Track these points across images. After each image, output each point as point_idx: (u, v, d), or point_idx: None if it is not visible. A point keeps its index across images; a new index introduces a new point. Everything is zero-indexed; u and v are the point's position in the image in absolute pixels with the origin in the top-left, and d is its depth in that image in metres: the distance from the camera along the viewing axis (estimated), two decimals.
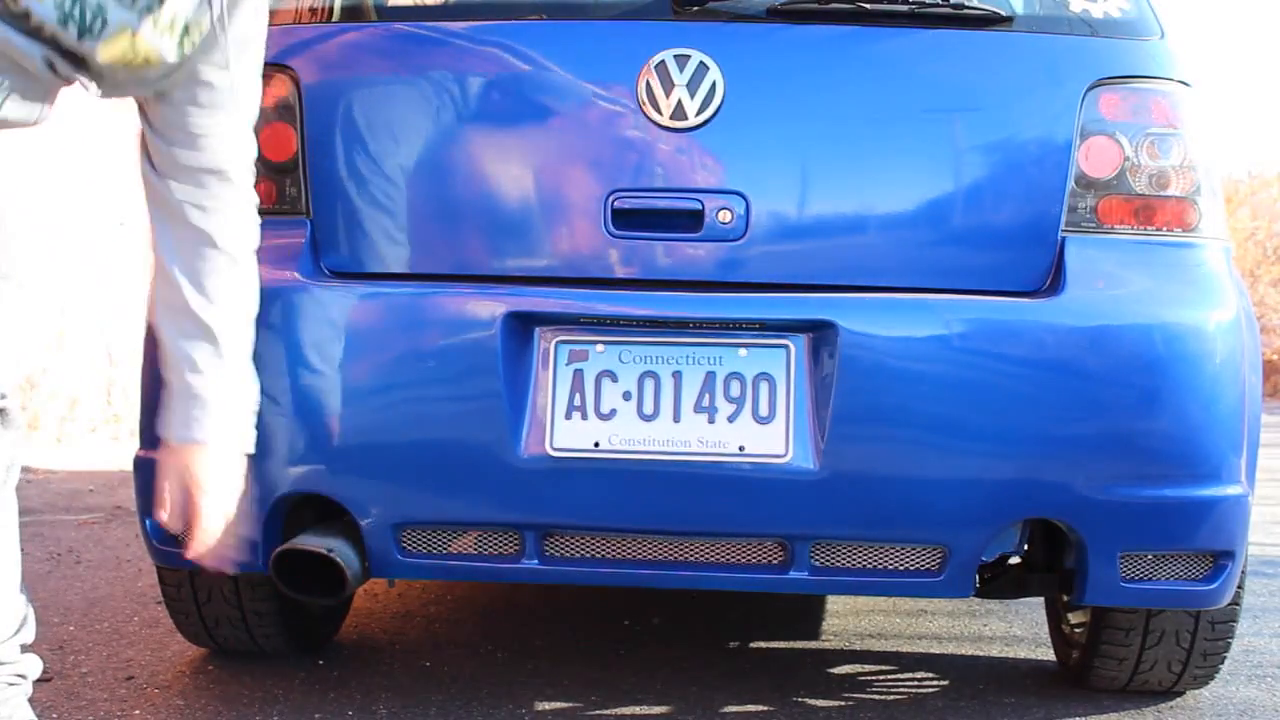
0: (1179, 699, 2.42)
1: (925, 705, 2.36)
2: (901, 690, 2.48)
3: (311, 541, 2.03)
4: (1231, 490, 2.02)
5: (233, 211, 1.78)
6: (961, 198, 2.04)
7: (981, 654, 2.79)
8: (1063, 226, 2.03)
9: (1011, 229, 2.04)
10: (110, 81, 1.66)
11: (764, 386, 1.97)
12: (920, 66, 2.08)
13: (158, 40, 1.62)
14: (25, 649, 1.78)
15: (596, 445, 1.97)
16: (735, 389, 1.98)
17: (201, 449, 1.77)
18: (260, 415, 2.01)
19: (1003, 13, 2.10)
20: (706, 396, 1.97)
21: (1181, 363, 1.97)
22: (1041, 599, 2.92)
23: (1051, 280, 2.02)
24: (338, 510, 2.10)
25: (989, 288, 2.02)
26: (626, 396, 1.98)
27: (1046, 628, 2.75)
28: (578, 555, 2.08)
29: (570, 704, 2.31)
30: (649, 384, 1.98)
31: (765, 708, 2.32)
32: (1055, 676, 2.57)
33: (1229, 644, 2.30)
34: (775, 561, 2.05)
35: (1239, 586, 2.21)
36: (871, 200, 2.04)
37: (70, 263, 7.20)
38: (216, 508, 1.78)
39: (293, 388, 2.01)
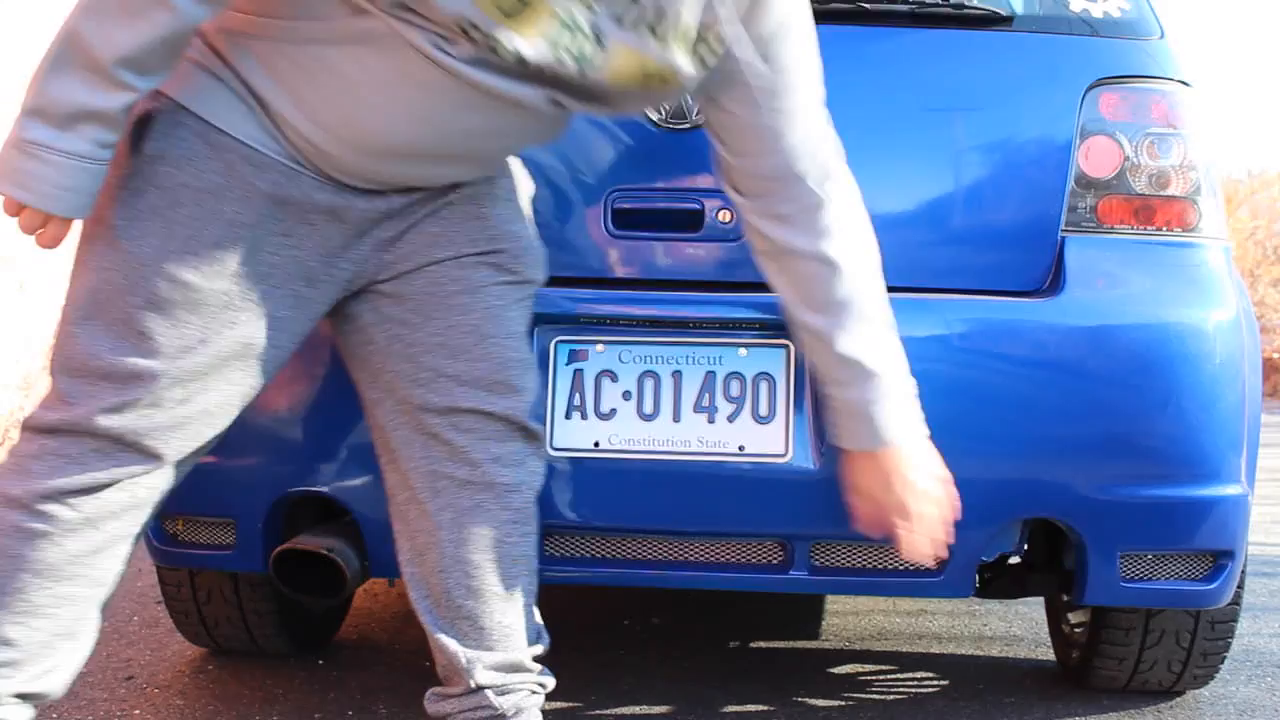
0: (1179, 699, 2.42)
1: (925, 705, 2.37)
2: (901, 690, 2.48)
3: (311, 541, 2.03)
4: (1231, 490, 2.02)
5: (822, 213, 1.75)
6: (961, 197, 2.04)
7: (981, 654, 2.79)
8: (1063, 226, 2.03)
9: (1011, 229, 2.04)
10: (627, 103, 1.62)
11: (764, 386, 1.98)
12: (920, 66, 2.08)
13: (669, 57, 1.56)
14: (540, 660, 1.86)
15: (596, 445, 1.97)
16: (735, 389, 1.98)
17: (896, 450, 1.80)
18: (260, 415, 2.02)
19: (1003, 13, 2.10)
20: (706, 396, 1.98)
21: (1181, 363, 1.97)
22: (1041, 599, 2.92)
23: (1051, 280, 2.02)
24: (338, 510, 2.10)
25: (988, 287, 2.02)
26: (626, 396, 1.98)
27: (1046, 628, 2.75)
28: (578, 555, 2.08)
29: (570, 704, 2.31)
30: (649, 384, 1.98)
31: (765, 708, 2.32)
32: (1055, 676, 2.58)
33: (1229, 644, 2.30)
34: (775, 561, 2.05)
35: (1239, 586, 2.21)
36: (871, 200, 2.03)
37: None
38: (931, 502, 1.81)
39: (292, 388, 2.01)
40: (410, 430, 1.77)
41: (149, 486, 1.61)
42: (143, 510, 1.62)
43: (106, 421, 1.55)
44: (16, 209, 1.51)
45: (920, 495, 1.80)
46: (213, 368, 1.60)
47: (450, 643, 1.79)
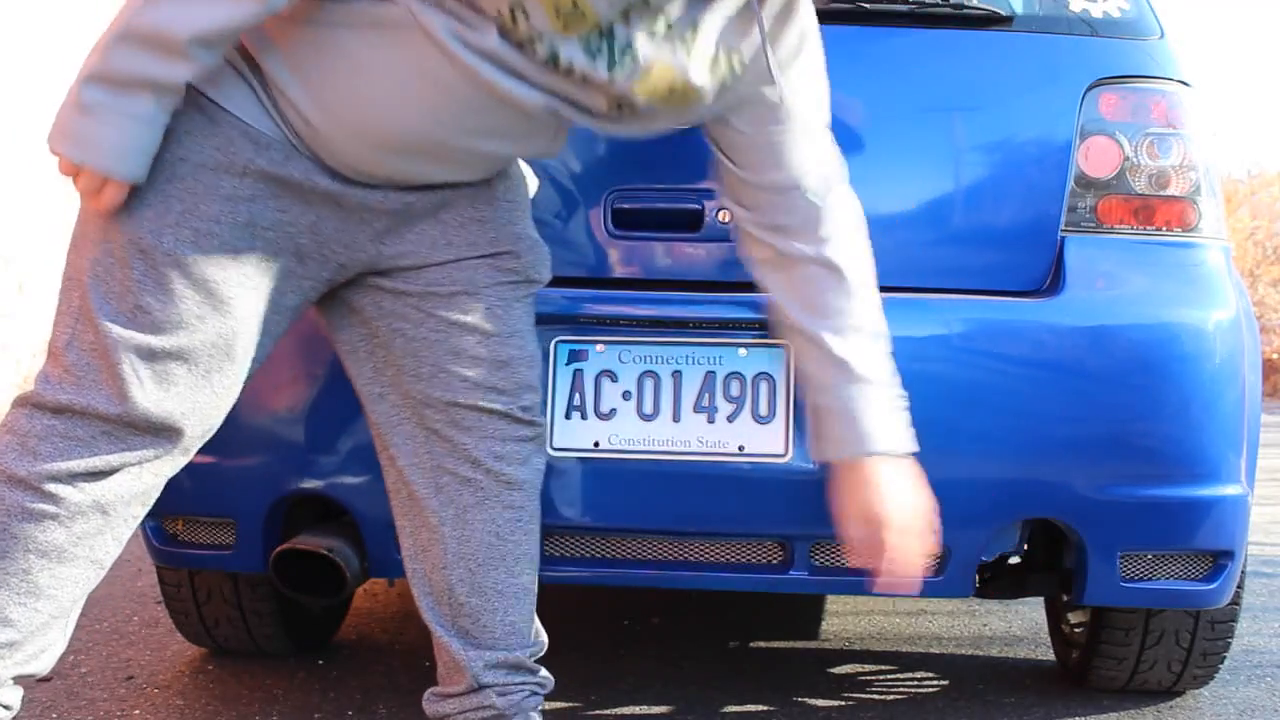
0: (1179, 699, 2.42)
1: (925, 705, 2.37)
2: (901, 690, 2.48)
3: (311, 541, 2.03)
4: (1231, 490, 2.02)
5: (822, 224, 1.77)
6: (961, 197, 2.04)
7: (981, 654, 2.79)
8: (1062, 226, 2.03)
9: (1011, 229, 2.04)
10: (636, 120, 1.63)
11: (764, 386, 1.98)
12: (920, 66, 2.08)
13: (696, 74, 1.58)
14: (540, 661, 1.88)
15: (596, 445, 1.97)
16: (735, 389, 1.98)
17: (879, 460, 1.77)
18: (259, 416, 2.02)
19: (1003, 13, 2.10)
20: (706, 396, 1.98)
21: (1181, 362, 1.97)
22: (1041, 599, 2.92)
23: (1051, 280, 2.02)
24: (338, 510, 2.10)
25: (988, 287, 2.02)
26: (626, 396, 1.98)
27: (1046, 628, 2.75)
28: (578, 555, 2.08)
29: (570, 704, 2.31)
30: (649, 384, 1.98)
31: (765, 708, 2.32)
32: (1055, 676, 2.58)
33: (1229, 644, 2.30)
34: (775, 561, 2.05)
35: (1239, 586, 2.21)
36: (871, 200, 2.03)
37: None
38: (910, 522, 1.78)
39: (292, 388, 2.01)
40: (412, 426, 1.77)
41: (155, 471, 1.61)
42: (149, 495, 1.63)
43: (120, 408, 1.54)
44: (73, 170, 1.50)
45: (907, 509, 1.78)
46: (215, 346, 1.59)
47: (452, 640, 1.80)
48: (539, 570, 1.88)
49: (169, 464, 1.63)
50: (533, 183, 1.89)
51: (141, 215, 1.54)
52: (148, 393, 1.55)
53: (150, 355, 1.55)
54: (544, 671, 1.86)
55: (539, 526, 1.84)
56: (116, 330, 1.54)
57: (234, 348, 1.62)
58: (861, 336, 1.79)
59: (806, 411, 1.87)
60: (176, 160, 1.55)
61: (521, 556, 1.81)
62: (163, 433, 1.58)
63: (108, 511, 1.58)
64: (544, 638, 1.88)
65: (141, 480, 1.60)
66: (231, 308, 1.59)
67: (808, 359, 1.82)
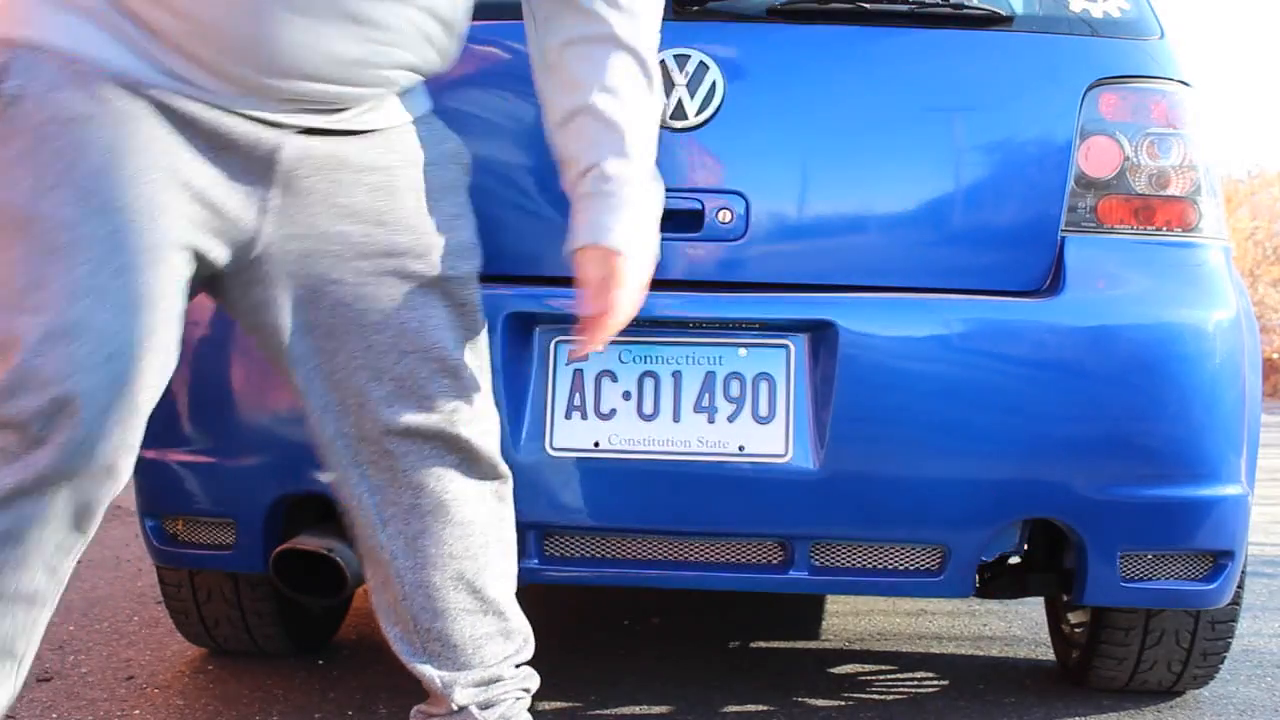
0: (1179, 699, 2.42)
1: (925, 705, 2.37)
2: (901, 690, 2.48)
3: (311, 541, 2.03)
4: (1231, 490, 2.02)
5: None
6: (961, 197, 2.04)
7: (981, 654, 2.79)
8: (1062, 226, 2.03)
9: (1011, 229, 2.04)
10: None
11: (764, 386, 1.98)
12: (920, 66, 2.08)
13: None
14: (528, 663, 1.81)
15: (596, 445, 1.97)
16: (735, 389, 1.98)
17: (619, 255, 1.61)
18: (259, 415, 2.02)
19: (1003, 13, 2.10)
20: (706, 396, 1.98)
21: (1181, 363, 1.97)
22: (1041, 599, 2.92)
23: (1051, 280, 2.02)
24: (338, 510, 2.10)
25: (989, 287, 2.02)
26: (626, 396, 1.98)
27: (1046, 628, 2.75)
28: (578, 555, 2.08)
29: (570, 704, 2.31)
30: (649, 384, 1.98)
31: (765, 708, 2.32)
32: (1055, 676, 2.58)
33: (1229, 644, 2.30)
34: (775, 561, 2.05)
35: (1239, 586, 2.21)
36: (871, 200, 2.04)
37: None
38: (625, 308, 1.63)
39: (292, 388, 2.01)
40: (349, 462, 1.67)
41: (77, 493, 1.42)
42: (81, 526, 1.45)
43: (12, 408, 1.38)
44: None
45: (629, 302, 1.63)
46: (120, 324, 1.41)
47: (425, 668, 1.74)
48: (538, 569, 1.87)
49: (94, 485, 1.44)
50: (454, 175, 1.71)
51: (18, 188, 1.41)
52: (56, 389, 1.38)
53: (47, 337, 1.38)
54: (527, 672, 1.80)
55: (507, 527, 1.75)
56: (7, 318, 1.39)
57: (142, 326, 1.44)
58: (633, 109, 1.64)
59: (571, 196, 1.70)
60: (45, 122, 1.42)
61: (483, 570, 1.72)
62: (73, 444, 1.40)
63: (21, 541, 1.41)
64: (528, 641, 1.80)
65: (58, 504, 1.42)
66: (134, 275, 1.43)
67: (566, 114, 1.67)
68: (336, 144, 1.57)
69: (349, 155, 1.58)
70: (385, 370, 1.62)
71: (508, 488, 1.75)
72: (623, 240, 1.61)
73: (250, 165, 1.51)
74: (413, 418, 1.64)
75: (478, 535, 1.71)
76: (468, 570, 1.71)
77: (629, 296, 1.63)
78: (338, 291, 1.60)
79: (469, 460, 1.69)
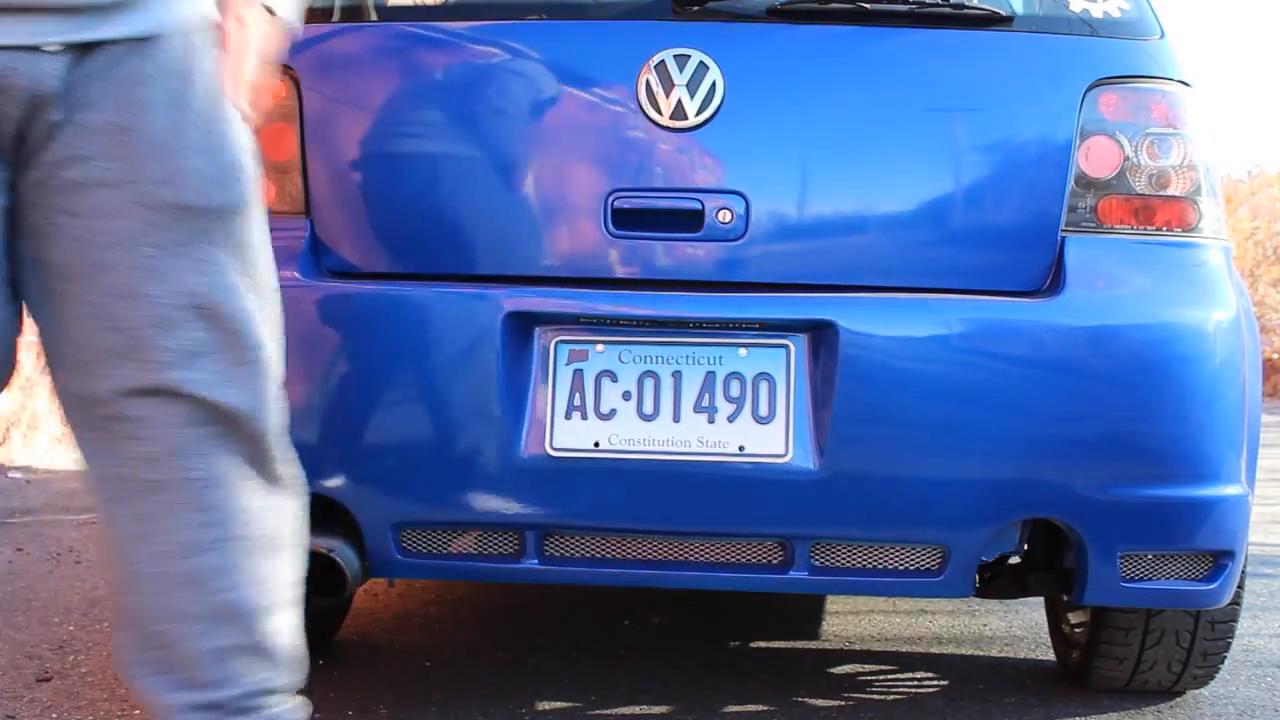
0: (1179, 699, 2.42)
1: (925, 705, 2.37)
2: (901, 690, 2.48)
3: (311, 541, 2.02)
4: (1231, 490, 2.02)
5: None
6: (961, 197, 2.04)
7: (981, 654, 2.79)
8: (1063, 226, 2.03)
9: (1011, 229, 2.04)
10: None
11: (764, 386, 1.97)
12: (920, 66, 2.08)
13: None
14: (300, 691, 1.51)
15: (596, 445, 1.97)
16: (735, 389, 1.98)
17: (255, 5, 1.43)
18: None
19: (1003, 13, 2.10)
20: (706, 396, 1.97)
21: (1181, 363, 1.97)
22: (1041, 599, 2.92)
23: (1051, 280, 2.02)
24: (338, 510, 2.10)
25: (989, 287, 2.02)
26: (626, 396, 1.98)
27: (1046, 628, 2.75)
28: (578, 555, 2.08)
29: (570, 704, 2.31)
30: (649, 384, 1.98)
31: (765, 708, 2.32)
32: (1055, 676, 2.58)
33: (1229, 644, 2.30)
34: (775, 561, 2.05)
35: (1239, 586, 2.21)
36: (871, 200, 2.04)
37: None
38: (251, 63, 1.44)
39: (292, 388, 2.01)
40: (85, 428, 1.42)
41: None
42: None
43: None
44: None
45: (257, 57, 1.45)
46: None
47: (148, 682, 1.43)
48: (537, 569, 1.86)
49: None
50: (226, 101, 1.43)
51: None
52: None
53: None
54: (293, 704, 1.48)
55: (279, 522, 1.46)
56: None
57: None
58: None
59: None
60: None
61: (232, 569, 1.41)
62: None
63: None
64: (297, 665, 1.49)
65: None
66: None
67: None
68: (80, 54, 1.34)
69: (96, 68, 1.35)
70: (123, 319, 1.36)
71: (287, 472, 1.48)
72: None
73: None
74: (153, 376, 1.37)
75: (230, 526, 1.41)
76: (210, 568, 1.41)
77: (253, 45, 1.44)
78: (71, 225, 1.36)
79: (229, 433, 1.41)
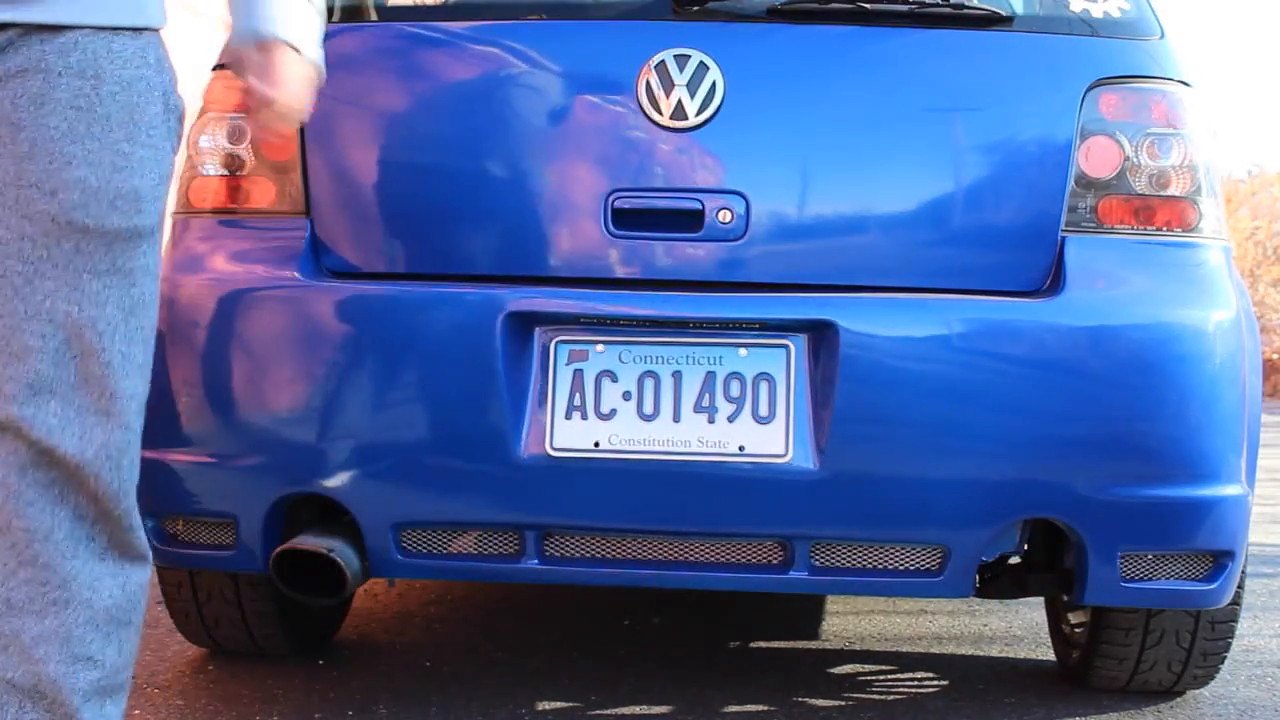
0: (1179, 699, 2.42)
1: (925, 705, 2.37)
2: (901, 690, 2.48)
3: (311, 541, 2.03)
4: (1231, 490, 2.02)
5: None
6: (961, 197, 2.04)
7: (981, 654, 2.79)
8: (1063, 226, 2.03)
9: (1011, 229, 2.04)
10: None
11: (764, 386, 1.97)
12: (920, 66, 2.08)
13: None
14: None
15: (596, 445, 1.97)
16: (735, 389, 1.98)
17: (280, 46, 1.38)
18: (259, 415, 2.02)
19: (1003, 13, 2.10)
20: (706, 396, 1.98)
21: (1181, 363, 1.97)
22: (1041, 599, 2.92)
23: (1051, 280, 2.02)
24: (338, 510, 2.10)
25: (989, 287, 2.02)
26: (626, 396, 1.98)
27: (1046, 628, 2.75)
28: (578, 555, 2.08)
29: (570, 704, 2.31)
30: (649, 384, 1.98)
31: (765, 708, 2.32)
32: (1055, 676, 2.57)
33: (1229, 644, 2.30)
34: (775, 561, 2.05)
35: (1239, 586, 2.21)
36: (871, 200, 2.04)
37: None
38: (289, 105, 1.41)
39: (292, 388, 2.01)
40: None
41: None
42: None
43: None
44: None
45: (292, 98, 1.41)
46: None
47: None
48: (538, 569, 1.86)
49: None
50: (150, 106, 1.29)
51: None
52: None
53: None
54: None
55: (111, 597, 1.28)
56: None
57: None
58: None
59: None
60: None
61: (50, 637, 1.25)
62: None
63: None
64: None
65: None
66: None
67: None
68: None
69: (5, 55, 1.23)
70: None
71: (137, 541, 1.31)
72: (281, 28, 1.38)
73: None
74: None
75: (59, 591, 1.24)
76: (27, 633, 1.24)
77: (295, 86, 1.40)
78: None
79: (66, 486, 1.25)
